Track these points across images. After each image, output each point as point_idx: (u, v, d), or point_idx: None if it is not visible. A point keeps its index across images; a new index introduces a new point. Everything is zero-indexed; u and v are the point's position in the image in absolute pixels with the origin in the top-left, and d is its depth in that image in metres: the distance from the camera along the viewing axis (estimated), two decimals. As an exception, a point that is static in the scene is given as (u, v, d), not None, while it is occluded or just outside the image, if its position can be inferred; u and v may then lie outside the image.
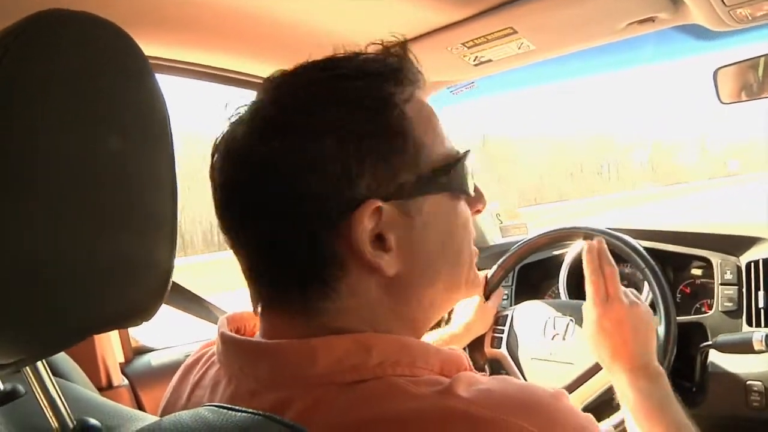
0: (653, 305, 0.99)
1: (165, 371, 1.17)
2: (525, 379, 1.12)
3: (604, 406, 1.04)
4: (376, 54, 0.48)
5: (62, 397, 0.46)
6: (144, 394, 1.12)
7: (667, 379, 0.78)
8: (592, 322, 0.83)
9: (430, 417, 0.38)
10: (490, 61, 1.11)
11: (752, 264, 1.10)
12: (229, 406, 0.39)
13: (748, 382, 1.00)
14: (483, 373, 0.52)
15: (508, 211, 1.57)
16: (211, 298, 1.21)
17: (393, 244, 0.45)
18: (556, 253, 1.35)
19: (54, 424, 0.46)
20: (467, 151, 0.50)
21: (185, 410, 0.40)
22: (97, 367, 1.05)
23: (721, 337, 1.01)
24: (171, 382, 0.57)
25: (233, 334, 0.49)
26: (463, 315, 1.17)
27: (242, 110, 0.47)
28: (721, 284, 1.12)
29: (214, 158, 0.48)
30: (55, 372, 0.77)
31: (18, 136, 0.34)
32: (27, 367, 0.45)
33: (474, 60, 1.11)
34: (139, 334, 1.23)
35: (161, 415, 0.49)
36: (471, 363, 0.48)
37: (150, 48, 0.91)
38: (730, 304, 1.09)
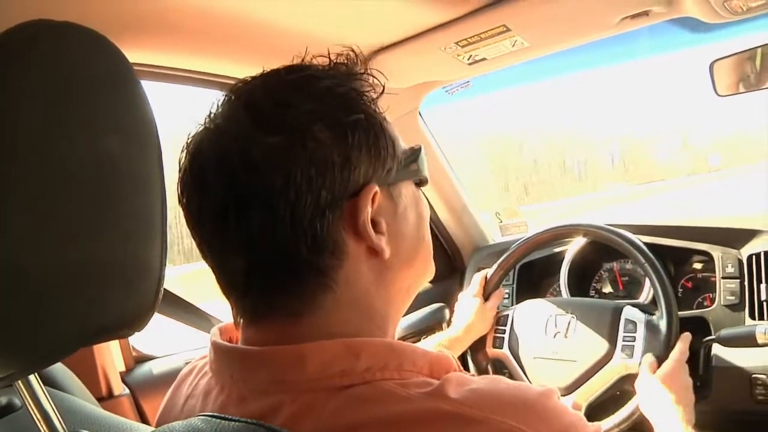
0: (654, 300, 0.99)
1: (166, 379, 1.16)
2: (529, 379, 1.11)
3: (608, 402, 1.04)
4: (339, 61, 0.50)
5: (56, 410, 0.46)
6: (145, 402, 1.12)
7: None
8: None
9: (420, 419, 0.38)
10: (484, 59, 1.11)
11: (753, 257, 1.09)
12: (221, 414, 0.39)
13: (753, 376, 1.00)
14: (472, 374, 0.52)
15: (508, 209, 1.56)
16: (216, 305, 1.20)
17: (384, 228, 0.47)
18: (556, 250, 1.35)
19: (48, 437, 0.46)
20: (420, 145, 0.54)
21: (178, 421, 0.40)
22: (96, 376, 1.05)
23: (725, 331, 1.00)
24: (167, 392, 0.57)
25: (224, 342, 0.48)
26: (463, 317, 1.16)
27: (213, 113, 0.47)
28: (723, 278, 1.11)
29: (191, 163, 0.46)
30: (53, 383, 0.76)
31: (1, 145, 0.34)
32: (19, 381, 0.45)
33: (468, 59, 1.10)
34: (138, 342, 1.22)
35: (157, 425, 0.49)
36: (472, 364, 0.48)
37: (134, 54, 0.90)
38: (732, 298, 1.09)
